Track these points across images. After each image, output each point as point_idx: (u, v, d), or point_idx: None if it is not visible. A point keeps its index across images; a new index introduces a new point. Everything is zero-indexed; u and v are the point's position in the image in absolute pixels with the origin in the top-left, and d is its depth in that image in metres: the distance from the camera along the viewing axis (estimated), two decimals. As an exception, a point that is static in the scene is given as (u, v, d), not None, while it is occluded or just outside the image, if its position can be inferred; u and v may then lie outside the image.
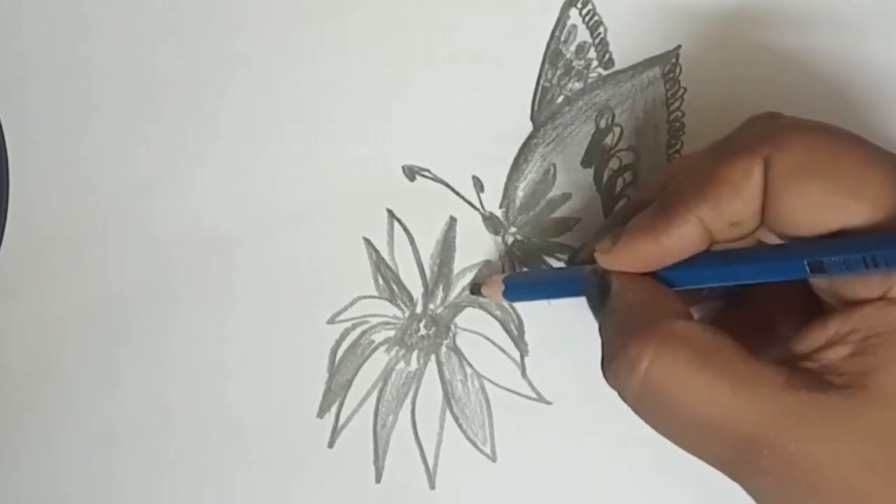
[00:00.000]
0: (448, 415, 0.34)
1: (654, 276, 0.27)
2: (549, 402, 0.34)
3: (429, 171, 0.34)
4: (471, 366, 0.34)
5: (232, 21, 0.35)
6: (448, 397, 0.34)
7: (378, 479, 0.34)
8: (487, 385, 0.34)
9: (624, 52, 0.34)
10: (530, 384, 0.34)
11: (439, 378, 0.34)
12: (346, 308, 0.34)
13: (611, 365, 0.26)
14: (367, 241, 0.34)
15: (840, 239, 0.24)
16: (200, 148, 0.35)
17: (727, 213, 0.25)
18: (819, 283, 0.25)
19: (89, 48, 0.35)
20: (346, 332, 0.34)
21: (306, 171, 0.34)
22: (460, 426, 0.34)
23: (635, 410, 0.26)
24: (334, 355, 0.34)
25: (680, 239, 0.26)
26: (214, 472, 0.34)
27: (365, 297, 0.34)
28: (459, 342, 0.34)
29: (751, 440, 0.23)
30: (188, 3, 0.35)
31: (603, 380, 0.34)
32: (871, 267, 0.23)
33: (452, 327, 0.34)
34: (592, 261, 0.28)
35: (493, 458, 0.34)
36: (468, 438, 0.34)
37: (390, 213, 0.34)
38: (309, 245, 0.34)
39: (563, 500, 0.34)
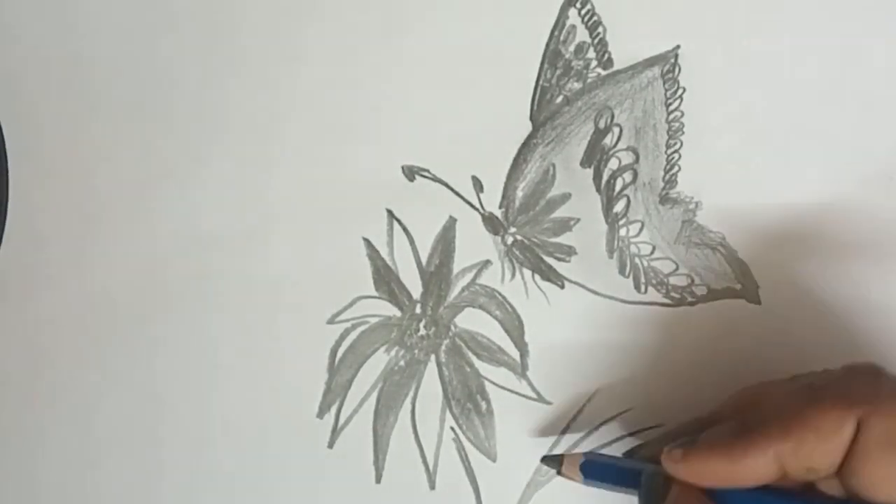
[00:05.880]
0: (448, 415, 0.34)
1: (710, 494, 0.27)
2: (549, 402, 0.34)
3: (428, 171, 0.34)
4: (470, 366, 0.34)
5: (232, 21, 0.35)
6: (448, 397, 0.34)
7: (378, 480, 0.34)
8: (487, 385, 0.34)
9: (623, 52, 0.34)
10: (530, 384, 0.34)
11: (439, 378, 0.34)
12: (345, 308, 0.34)
13: None
14: (367, 242, 0.34)
15: None
16: (200, 148, 0.35)
17: (807, 458, 0.25)
18: None
19: (89, 48, 0.35)
20: (346, 332, 0.34)
21: (306, 171, 0.35)
22: (460, 426, 0.34)
23: None
24: (334, 355, 0.34)
25: (754, 468, 0.26)
26: (214, 472, 0.34)
27: (365, 297, 0.34)
28: (459, 342, 0.34)
29: None
30: (188, 2, 0.35)
31: (602, 379, 0.34)
32: None
33: (452, 327, 0.34)
34: (652, 459, 0.28)
35: (493, 459, 0.34)
36: (468, 438, 0.34)
37: (390, 213, 0.34)
38: (309, 245, 0.34)
39: (563, 500, 0.34)
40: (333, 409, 0.34)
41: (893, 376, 0.26)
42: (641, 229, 0.34)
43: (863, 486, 0.25)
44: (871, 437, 0.24)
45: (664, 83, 0.34)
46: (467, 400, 0.34)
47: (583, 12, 0.34)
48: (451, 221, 0.34)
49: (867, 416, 0.24)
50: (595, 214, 0.34)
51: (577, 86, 0.34)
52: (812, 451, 0.25)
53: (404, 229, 0.34)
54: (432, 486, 0.34)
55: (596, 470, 0.31)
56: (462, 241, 0.34)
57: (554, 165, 0.34)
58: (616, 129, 0.34)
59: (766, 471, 0.25)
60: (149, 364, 0.35)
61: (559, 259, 0.34)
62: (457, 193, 0.34)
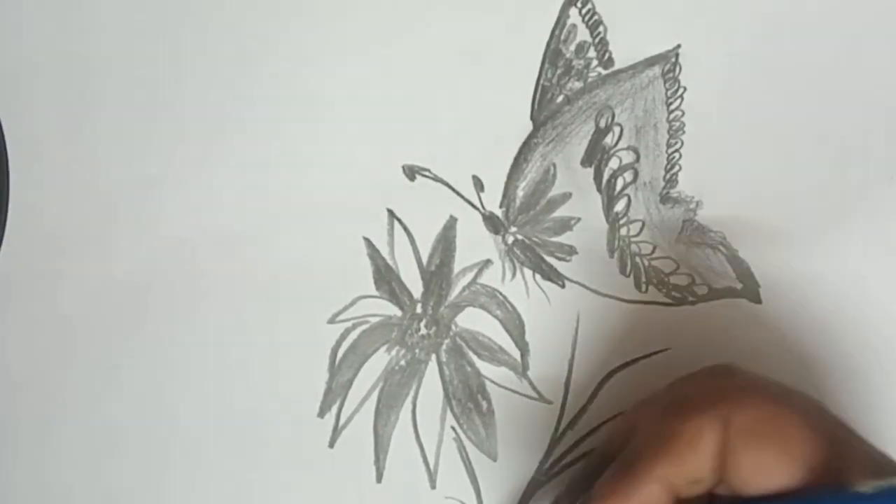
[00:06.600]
0: (449, 414, 0.34)
1: None
2: (549, 402, 0.34)
3: (429, 170, 0.34)
4: (471, 365, 0.34)
5: (233, 20, 0.35)
6: (449, 397, 0.34)
7: (379, 479, 0.34)
8: (488, 384, 0.34)
9: (624, 51, 0.34)
10: (531, 384, 0.34)
11: (440, 378, 0.34)
12: (346, 308, 0.34)
13: None
14: (368, 241, 0.34)
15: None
16: (200, 148, 0.35)
17: (688, 470, 0.25)
18: None
19: (90, 46, 0.35)
20: (347, 331, 0.34)
21: (306, 171, 0.34)
22: (461, 426, 0.34)
23: None
24: (335, 355, 0.34)
25: (647, 500, 0.26)
26: (214, 471, 0.34)
27: (365, 296, 0.34)
28: (460, 342, 0.34)
29: None
30: (188, 2, 0.35)
31: (602, 378, 0.34)
32: None
33: (453, 326, 0.34)
34: None
35: (494, 458, 0.34)
36: (469, 438, 0.34)
37: (390, 212, 0.34)
38: (309, 245, 0.34)
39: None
40: (334, 409, 0.34)
41: (747, 372, 0.27)
42: (642, 229, 0.34)
43: (739, 481, 0.25)
44: (734, 432, 0.25)
45: (665, 82, 0.34)
46: (468, 399, 0.34)
47: (583, 11, 0.34)
48: (452, 221, 0.34)
49: (728, 415, 0.25)
50: (596, 214, 0.34)
51: (577, 85, 0.34)
52: (690, 464, 0.25)
53: (405, 229, 0.34)
54: (433, 486, 0.34)
55: None
56: (463, 241, 0.34)
57: (555, 165, 0.34)
58: (617, 129, 0.34)
59: (658, 498, 0.26)
60: (148, 364, 0.34)
61: (560, 258, 0.34)
62: (457, 193, 0.34)
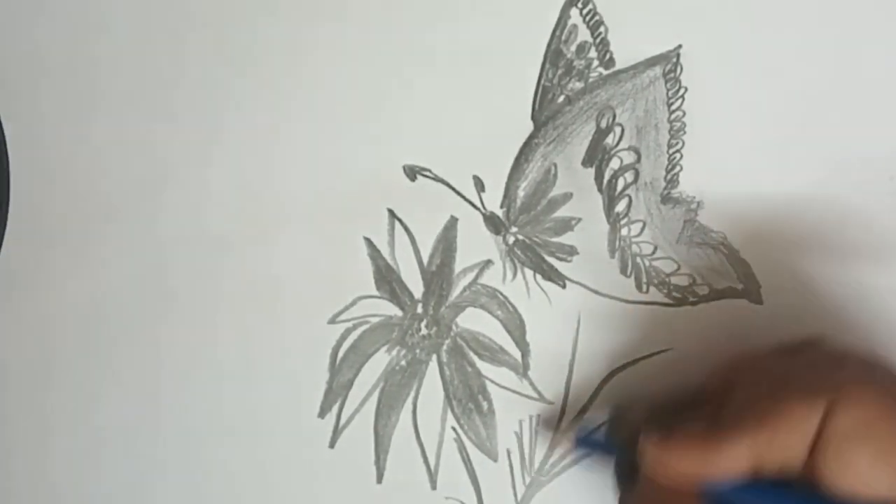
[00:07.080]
0: (449, 415, 0.34)
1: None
2: (550, 402, 0.34)
3: (430, 170, 0.34)
4: (472, 365, 0.34)
5: (233, 21, 0.34)
6: (449, 397, 0.34)
7: (379, 480, 0.34)
8: (488, 385, 0.34)
9: (625, 51, 0.34)
10: (531, 384, 0.34)
11: (440, 378, 0.34)
12: (346, 308, 0.34)
13: None
14: (368, 241, 0.34)
15: None
16: (201, 148, 0.35)
17: (779, 449, 0.25)
18: None
19: (90, 48, 0.35)
20: (347, 332, 0.34)
21: (306, 171, 0.34)
22: (461, 426, 0.34)
23: None
24: (335, 355, 0.34)
25: (727, 461, 0.26)
26: (215, 471, 0.34)
27: (366, 296, 0.34)
28: (460, 342, 0.34)
29: None
30: (191, 3, 0.34)
31: (603, 379, 0.34)
32: None
33: (453, 327, 0.34)
34: (634, 430, 0.29)
35: (495, 458, 0.34)
36: (469, 438, 0.34)
37: (391, 212, 0.34)
38: (309, 245, 0.34)
39: (564, 500, 0.34)
40: (335, 409, 0.34)
41: (859, 358, 0.27)
42: (643, 229, 0.34)
43: (828, 477, 0.25)
44: (834, 430, 0.24)
45: (666, 83, 0.34)
46: (469, 400, 0.34)
47: (584, 12, 0.34)
48: (453, 221, 0.34)
49: (832, 406, 0.25)
50: (597, 214, 0.34)
51: (578, 85, 0.34)
52: (783, 444, 0.25)
53: (406, 229, 0.34)
54: (433, 486, 0.34)
55: (586, 440, 0.32)
56: (463, 241, 0.34)
57: (555, 165, 0.34)
58: (618, 129, 0.34)
59: (739, 464, 0.26)
60: (150, 364, 0.34)
61: (561, 259, 0.34)
62: (458, 193, 0.34)
